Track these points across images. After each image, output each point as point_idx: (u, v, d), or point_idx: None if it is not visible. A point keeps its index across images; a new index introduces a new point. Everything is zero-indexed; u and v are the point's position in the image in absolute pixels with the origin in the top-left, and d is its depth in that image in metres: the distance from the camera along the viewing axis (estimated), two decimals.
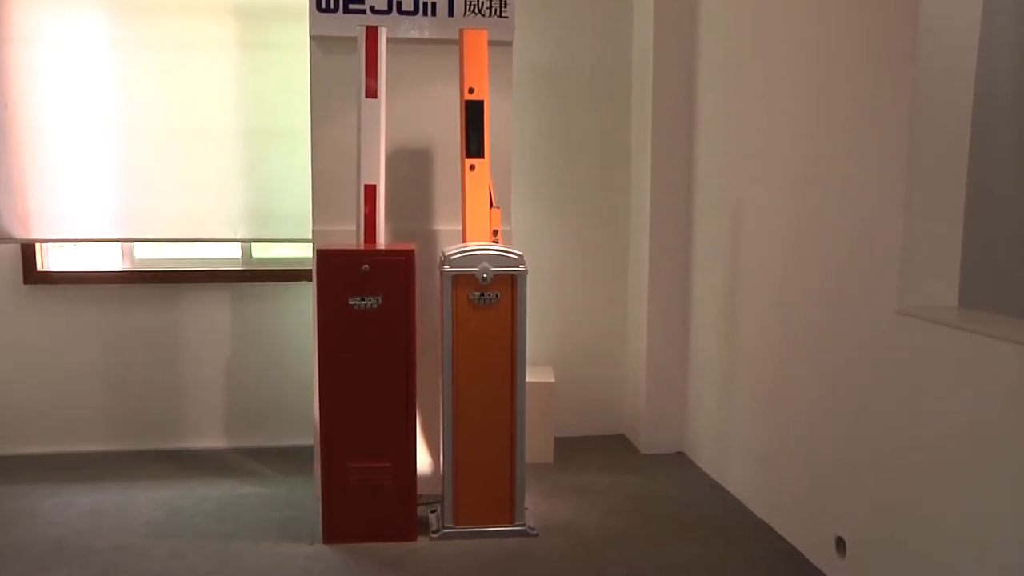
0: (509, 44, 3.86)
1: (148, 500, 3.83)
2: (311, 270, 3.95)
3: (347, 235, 3.73)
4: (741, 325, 3.90)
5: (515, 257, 3.40)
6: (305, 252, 4.54)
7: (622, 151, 4.75)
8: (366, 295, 3.31)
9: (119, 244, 4.50)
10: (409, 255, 3.34)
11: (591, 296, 4.83)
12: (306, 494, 3.91)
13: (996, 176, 2.84)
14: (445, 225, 3.91)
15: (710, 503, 3.88)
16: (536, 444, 4.21)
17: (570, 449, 4.59)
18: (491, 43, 3.60)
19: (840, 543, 3.08)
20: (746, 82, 3.85)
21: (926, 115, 2.65)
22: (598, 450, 4.63)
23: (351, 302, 3.31)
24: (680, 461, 4.46)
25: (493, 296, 3.40)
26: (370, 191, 3.51)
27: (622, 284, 4.84)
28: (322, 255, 3.31)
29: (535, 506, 3.79)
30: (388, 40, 3.55)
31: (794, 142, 3.40)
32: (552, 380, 4.40)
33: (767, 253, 3.65)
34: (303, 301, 4.49)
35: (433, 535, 3.47)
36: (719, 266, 4.11)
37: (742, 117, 3.88)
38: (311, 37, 3.74)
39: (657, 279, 4.50)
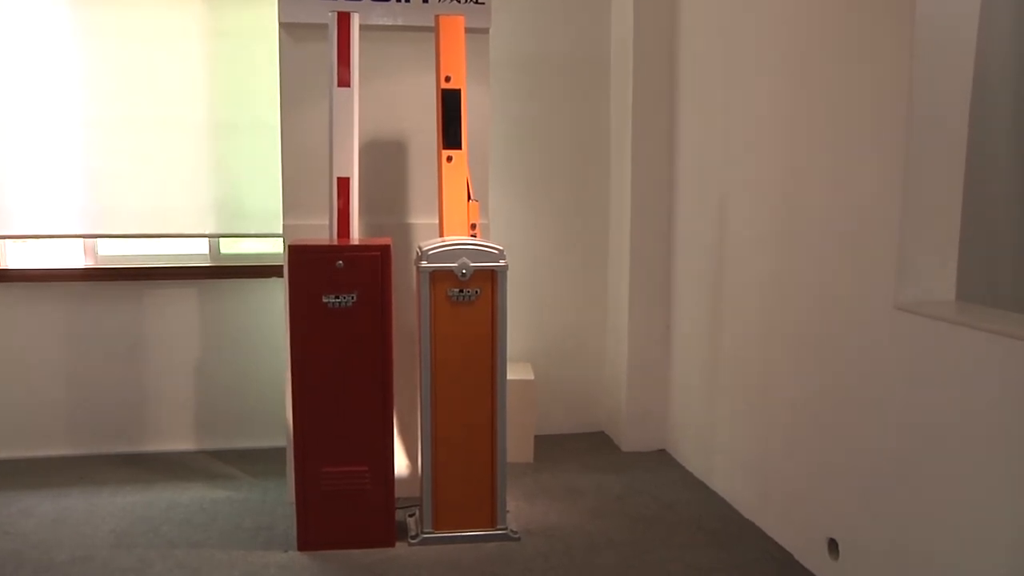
0: (486, 31, 3.75)
1: (113, 507, 3.67)
2: (282, 266, 3.83)
3: (319, 230, 3.61)
4: (726, 320, 3.81)
5: (495, 252, 3.28)
6: (275, 248, 4.40)
7: (601, 142, 4.64)
8: (340, 292, 3.18)
9: (81, 240, 4.33)
10: (385, 250, 3.21)
11: (570, 291, 4.72)
12: (279, 498, 3.77)
13: (994, 169, 2.77)
14: (421, 219, 3.79)
15: (695, 503, 3.79)
16: (516, 443, 4.10)
17: (550, 448, 4.49)
18: (467, 30, 3.48)
19: (833, 545, 2.99)
20: (732, 70, 3.75)
21: (923, 106, 2.57)
22: (579, 448, 4.53)
23: (325, 300, 3.18)
24: (662, 459, 4.37)
25: (473, 292, 3.28)
26: (343, 184, 3.38)
27: (601, 278, 4.73)
28: (294, 251, 3.17)
29: (516, 508, 3.68)
30: (361, 27, 3.42)
31: (783, 133, 3.31)
32: (532, 378, 4.29)
33: (753, 247, 3.55)
34: (273, 298, 4.35)
35: (412, 540, 3.35)
36: (703, 260, 4.01)
37: (727, 106, 3.78)
38: (280, 24, 3.61)
39: (638, 273, 4.40)
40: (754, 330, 3.56)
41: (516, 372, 4.30)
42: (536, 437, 4.40)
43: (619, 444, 4.55)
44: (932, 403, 2.50)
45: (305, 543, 3.27)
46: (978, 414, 2.33)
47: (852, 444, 2.87)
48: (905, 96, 2.58)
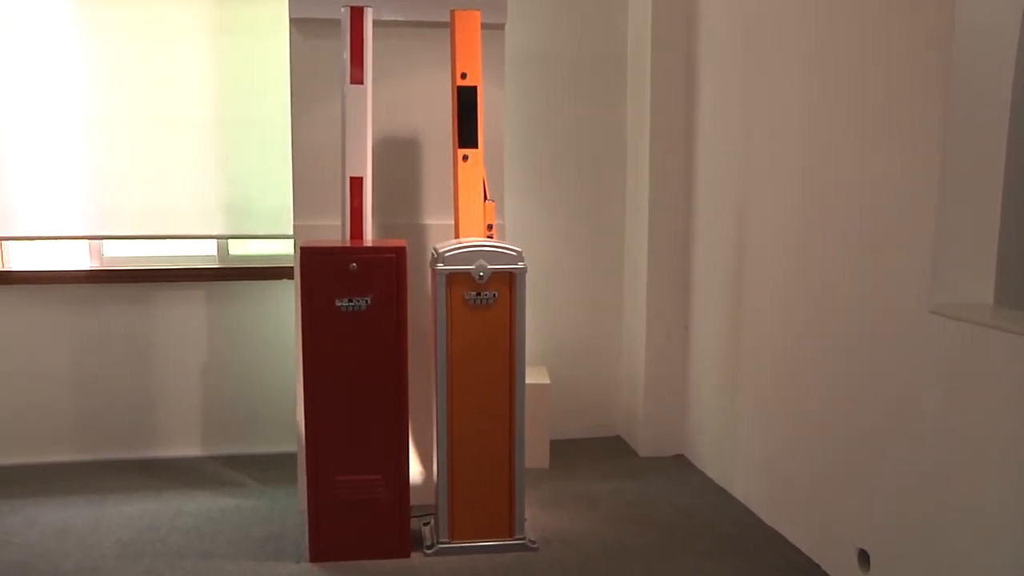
0: (501, 27, 3.66)
1: (120, 516, 3.58)
2: (292, 268, 3.75)
3: (330, 231, 3.52)
4: (747, 323, 3.71)
5: (514, 254, 3.18)
6: (285, 248, 4.31)
7: (617, 140, 4.55)
8: (354, 296, 3.09)
9: (86, 241, 4.24)
10: (400, 252, 3.12)
11: (585, 293, 4.62)
12: (289, 506, 3.68)
13: None
14: (435, 219, 3.69)
15: (715, 509, 3.70)
16: (531, 449, 4.01)
17: (565, 453, 4.40)
18: (482, 26, 3.38)
19: (863, 556, 2.89)
20: (754, 66, 3.65)
21: (961, 104, 2.47)
22: (595, 453, 4.43)
23: (338, 303, 3.08)
24: (680, 464, 4.28)
25: (490, 295, 3.18)
26: (356, 184, 3.28)
27: (617, 280, 4.63)
28: (306, 253, 3.08)
29: (533, 516, 3.59)
30: (374, 23, 3.32)
31: (808, 131, 3.21)
32: (548, 382, 4.19)
33: (776, 248, 3.45)
34: (283, 300, 4.25)
35: (427, 551, 3.26)
36: (723, 261, 3.91)
37: (750, 103, 3.68)
38: (291, 20, 3.52)
39: (656, 273, 4.30)
40: (777, 332, 3.46)
41: (531, 375, 4.21)
42: (551, 442, 4.30)
43: (636, 449, 4.45)
44: (968, 408, 2.41)
45: (317, 554, 3.17)
46: (1017, 422, 2.23)
47: (884, 451, 2.78)
48: (942, 93, 2.48)
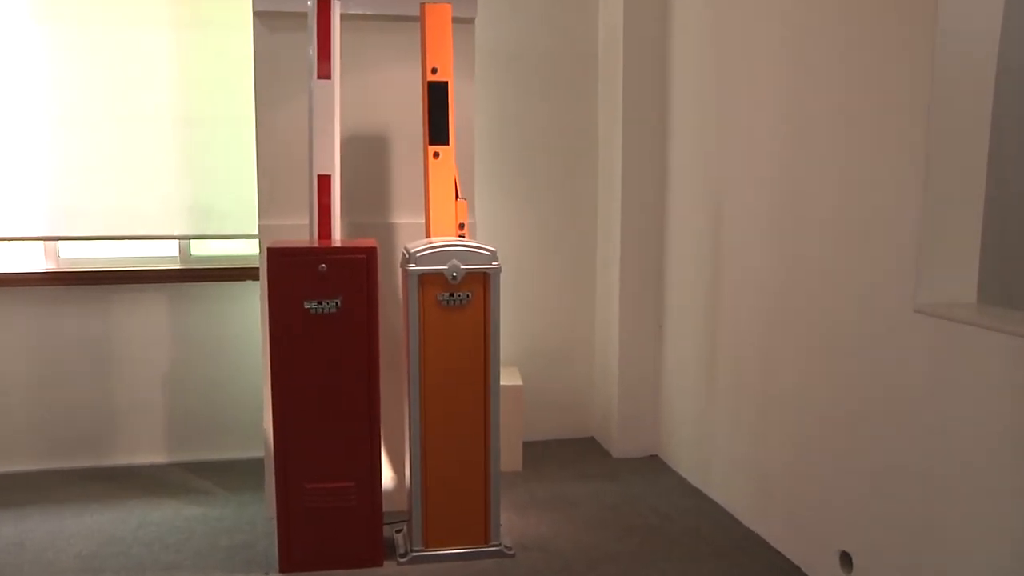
0: (471, 21, 3.58)
1: (79, 528, 3.45)
2: (257, 269, 3.64)
3: (297, 230, 3.42)
4: (723, 322, 3.66)
5: (488, 253, 3.10)
6: (250, 249, 4.19)
7: (588, 135, 4.48)
8: (324, 298, 2.99)
9: (42, 243, 4.09)
10: (371, 252, 3.02)
11: (557, 291, 4.55)
12: (257, 514, 3.57)
13: (1017, 167, 2.64)
14: (404, 218, 3.60)
15: (693, 512, 3.65)
16: (504, 451, 3.92)
17: (539, 455, 4.33)
18: (452, 20, 3.29)
19: (846, 558, 2.85)
20: (729, 58, 3.59)
21: (945, 101, 2.43)
22: (568, 455, 4.36)
23: (307, 306, 2.98)
24: (655, 465, 4.22)
25: (464, 296, 3.10)
26: (324, 182, 3.18)
27: (590, 276, 4.57)
28: (274, 254, 2.97)
29: (508, 521, 3.51)
30: (341, 16, 3.23)
31: (786, 126, 3.16)
32: (520, 383, 4.12)
33: (753, 245, 3.41)
34: (248, 302, 4.14)
35: (401, 559, 3.17)
36: (698, 257, 3.86)
37: (725, 97, 3.63)
38: (255, 13, 3.41)
39: (629, 273, 4.24)
40: (754, 331, 3.42)
41: (503, 377, 4.11)
42: (523, 443, 4.23)
43: (609, 450, 4.40)
44: (953, 408, 2.38)
45: (288, 564, 3.07)
46: (1002, 420, 2.20)
47: (866, 451, 2.74)
48: (925, 90, 2.44)
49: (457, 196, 3.30)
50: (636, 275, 4.25)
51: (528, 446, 4.33)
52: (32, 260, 4.15)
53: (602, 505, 3.71)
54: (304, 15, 3.27)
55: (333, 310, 3.00)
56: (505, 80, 4.37)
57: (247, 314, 4.16)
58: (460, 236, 3.29)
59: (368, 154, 3.56)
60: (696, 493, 3.85)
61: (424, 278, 3.07)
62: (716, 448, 3.75)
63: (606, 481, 3.99)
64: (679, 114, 4.03)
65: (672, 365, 4.18)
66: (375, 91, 3.54)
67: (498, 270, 3.11)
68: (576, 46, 4.43)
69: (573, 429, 4.64)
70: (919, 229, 2.49)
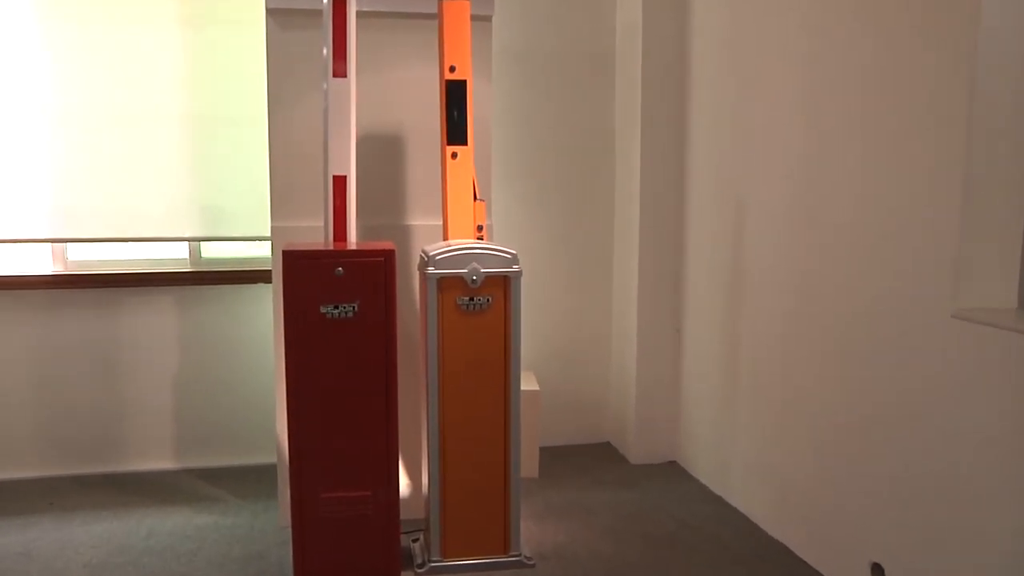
0: (488, 19, 3.50)
1: (87, 536, 3.37)
2: (269, 271, 3.58)
3: (310, 232, 3.35)
4: (744, 326, 3.58)
5: (508, 256, 3.03)
6: (262, 251, 4.12)
7: (606, 136, 4.40)
8: (340, 302, 2.91)
9: (49, 245, 4.02)
10: (389, 255, 2.94)
11: (573, 294, 4.48)
12: (270, 523, 3.50)
13: None
14: (421, 220, 3.53)
15: (714, 520, 3.57)
16: (521, 458, 3.84)
17: (555, 461, 4.25)
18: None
19: (877, 570, 2.77)
20: (751, 54, 3.51)
21: (987, 102, 2.35)
22: (585, 461, 4.29)
23: (323, 310, 2.90)
24: (674, 472, 4.14)
25: (484, 300, 3.02)
26: (339, 183, 3.10)
27: (607, 280, 4.49)
28: (289, 257, 2.89)
29: (526, 530, 3.44)
30: (357, 13, 3.15)
31: (814, 124, 3.08)
32: (537, 388, 4.04)
33: (776, 248, 3.33)
34: (259, 305, 4.06)
35: (418, 570, 3.09)
36: (718, 261, 3.78)
37: (747, 95, 3.54)
38: (268, 10, 3.34)
39: (647, 273, 4.16)
40: (778, 336, 3.34)
41: (521, 382, 4.04)
42: (540, 449, 4.15)
43: (626, 456, 4.32)
44: (990, 416, 2.30)
45: (303, 575, 3.00)
46: None
47: (900, 459, 2.66)
48: (957, 89, 2.36)
49: (475, 197, 3.22)
50: (654, 277, 4.18)
51: (544, 452, 4.26)
52: (40, 263, 4.08)
53: (621, 513, 3.64)
54: (318, 12, 3.20)
55: (350, 315, 2.92)
56: (519, 79, 4.29)
57: (258, 317, 4.08)
58: (478, 238, 3.21)
59: (383, 154, 3.49)
60: (716, 500, 3.78)
61: (443, 282, 3.00)
62: (736, 453, 3.67)
63: (624, 488, 3.92)
64: (697, 114, 3.96)
65: (691, 369, 4.10)
66: (391, 90, 3.46)
67: (519, 273, 3.03)
68: (591, 45, 4.35)
69: (589, 434, 4.56)
70: (956, 233, 2.41)
